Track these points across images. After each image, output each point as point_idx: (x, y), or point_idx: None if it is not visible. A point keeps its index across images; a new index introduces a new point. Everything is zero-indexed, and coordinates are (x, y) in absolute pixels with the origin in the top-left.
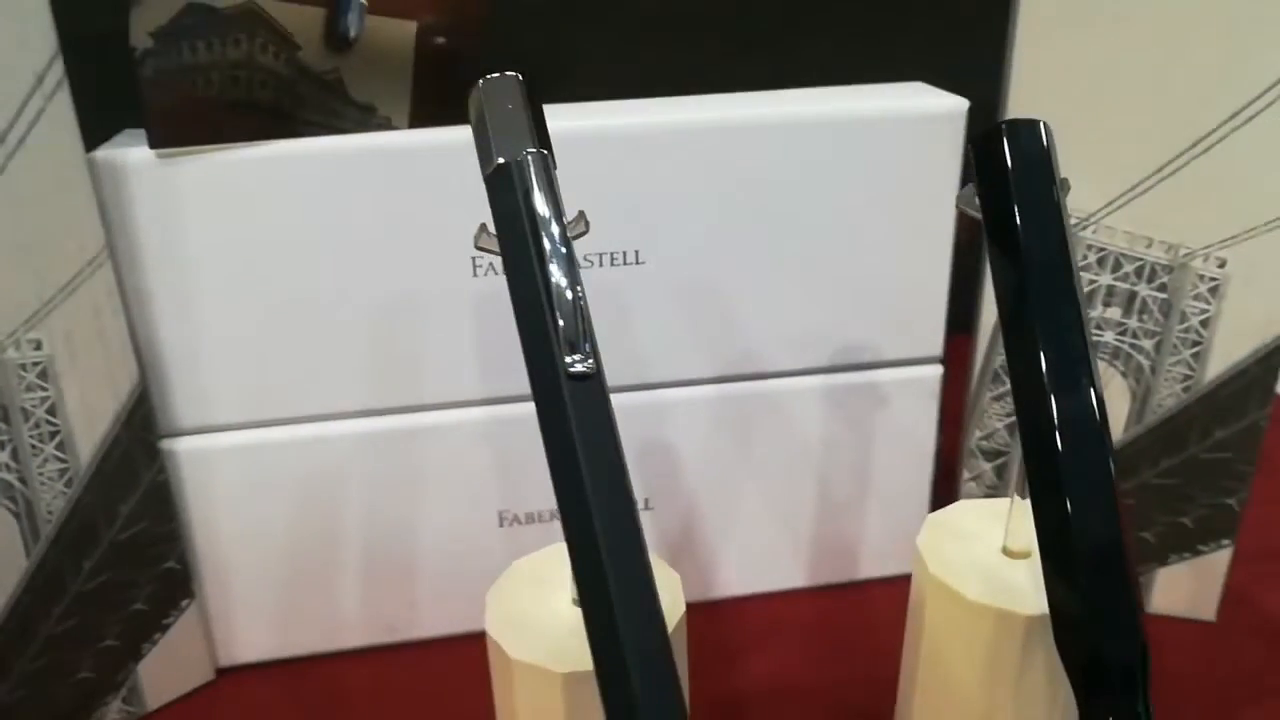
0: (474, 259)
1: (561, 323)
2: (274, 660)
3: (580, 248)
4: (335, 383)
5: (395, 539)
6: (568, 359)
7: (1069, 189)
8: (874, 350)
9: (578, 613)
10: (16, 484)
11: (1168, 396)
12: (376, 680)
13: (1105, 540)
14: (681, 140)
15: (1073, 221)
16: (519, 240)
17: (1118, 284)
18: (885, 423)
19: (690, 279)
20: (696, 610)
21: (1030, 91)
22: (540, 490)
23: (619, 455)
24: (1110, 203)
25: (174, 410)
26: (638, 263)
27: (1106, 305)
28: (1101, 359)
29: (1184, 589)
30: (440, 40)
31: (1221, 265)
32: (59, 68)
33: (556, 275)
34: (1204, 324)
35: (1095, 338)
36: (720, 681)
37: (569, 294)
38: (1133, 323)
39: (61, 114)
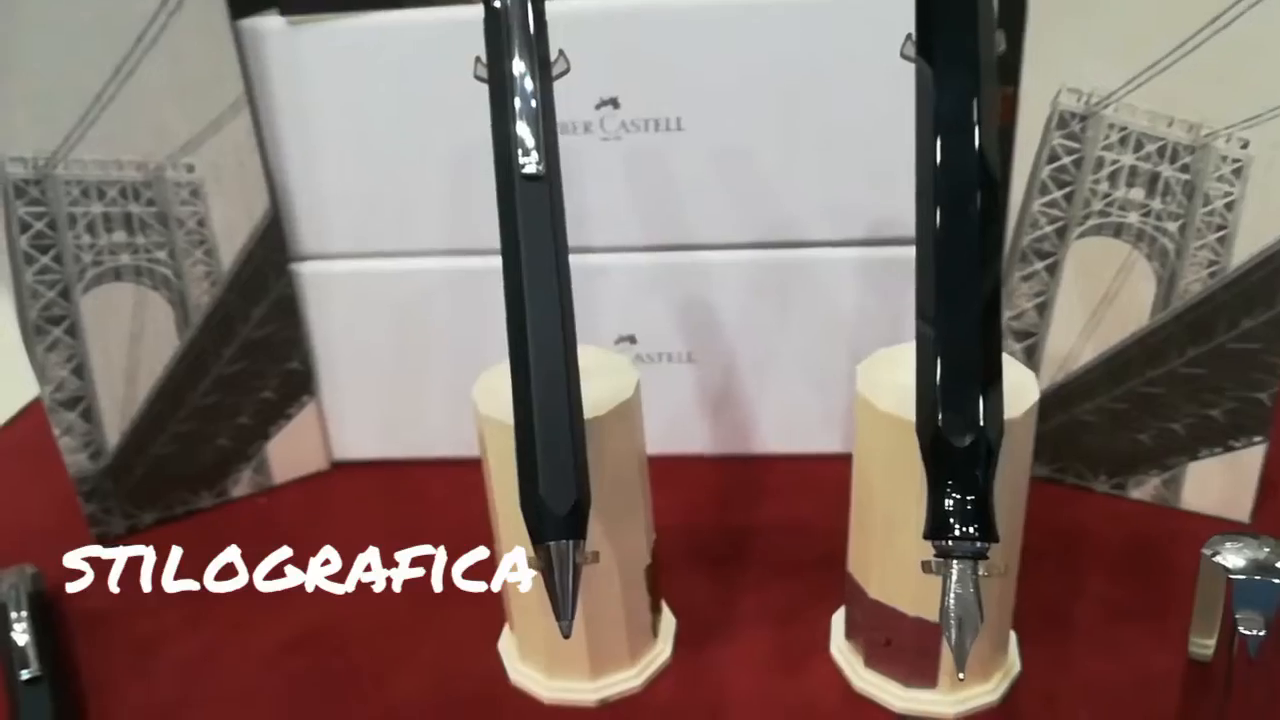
0: None
1: (520, 130)
2: (378, 460)
3: (623, 114)
4: (424, 224)
5: (471, 363)
6: (521, 160)
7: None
8: (909, 226)
9: None
10: (173, 278)
11: (1194, 282)
12: (454, 487)
13: (961, 345)
14: (720, 17)
15: (1094, 101)
16: (498, 66)
17: (1140, 164)
18: None
19: (728, 146)
20: (731, 463)
21: None
22: (586, 320)
23: (557, 248)
24: (1131, 80)
25: (299, 237)
26: (679, 129)
27: (1130, 186)
28: (1125, 242)
29: (1216, 487)
30: None
31: (1244, 146)
32: None
33: (522, 95)
34: (1228, 207)
35: (1119, 218)
36: (729, 518)
37: (530, 109)
38: (1156, 204)
39: None
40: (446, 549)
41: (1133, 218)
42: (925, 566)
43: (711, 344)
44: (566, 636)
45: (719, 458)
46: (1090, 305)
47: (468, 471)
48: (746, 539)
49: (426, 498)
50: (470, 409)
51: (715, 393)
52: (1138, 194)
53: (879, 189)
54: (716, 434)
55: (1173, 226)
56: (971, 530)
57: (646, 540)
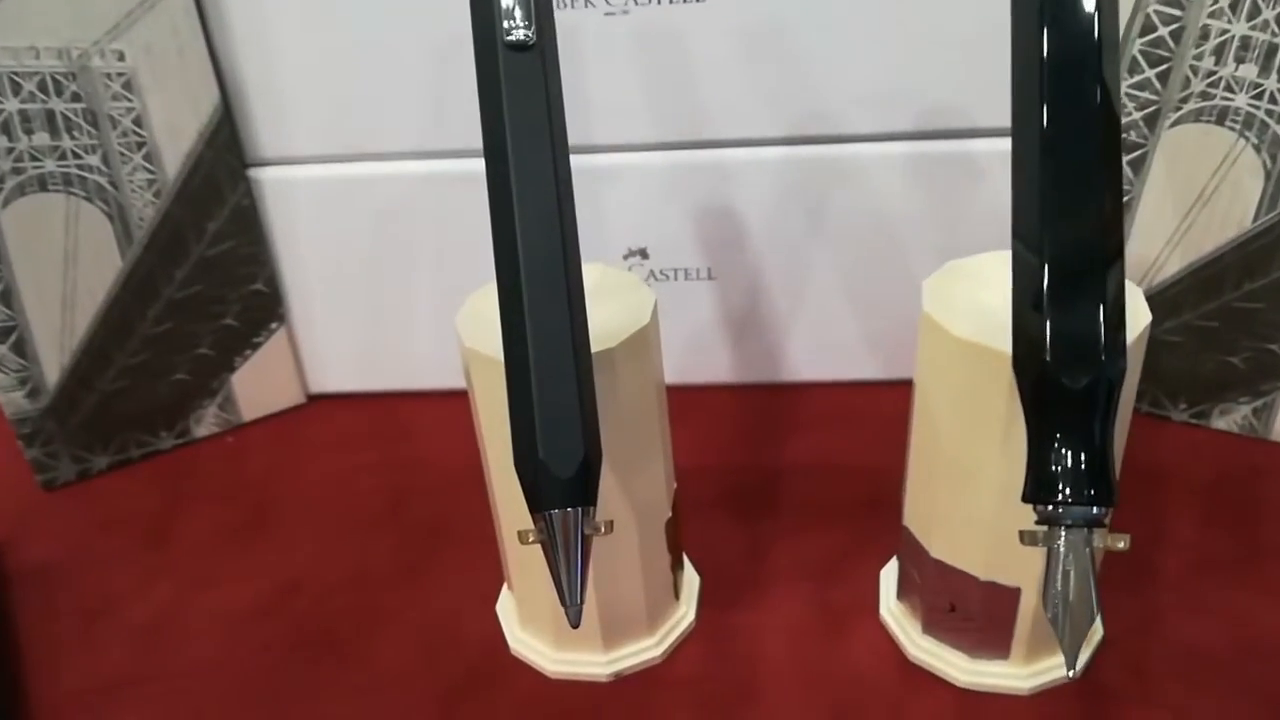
0: None
1: None
2: (360, 393)
3: None
4: (403, 121)
5: (463, 282)
6: (505, 25)
7: None
8: (969, 116)
9: None
10: (109, 187)
11: None
12: (444, 422)
13: (1077, 265)
14: None
15: None
16: None
17: (1255, 34)
18: (981, 201)
19: (756, 21)
20: (757, 392)
21: None
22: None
23: (553, 137)
24: None
25: (256, 139)
26: (698, 0)
27: (1240, 61)
28: (1231, 128)
29: None
30: None
31: None
32: None
33: None
34: None
35: (1224, 101)
36: (757, 456)
37: None
38: (1271, 83)
39: None
40: (436, 492)
41: (1241, 100)
42: (1025, 537)
43: (735, 258)
44: (575, 626)
45: (744, 387)
46: (1182, 206)
47: (459, 404)
48: (777, 480)
49: (413, 434)
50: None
51: (739, 314)
52: (1249, 71)
53: (933, 71)
54: (740, 360)
55: None
56: (1087, 493)
57: (667, 491)
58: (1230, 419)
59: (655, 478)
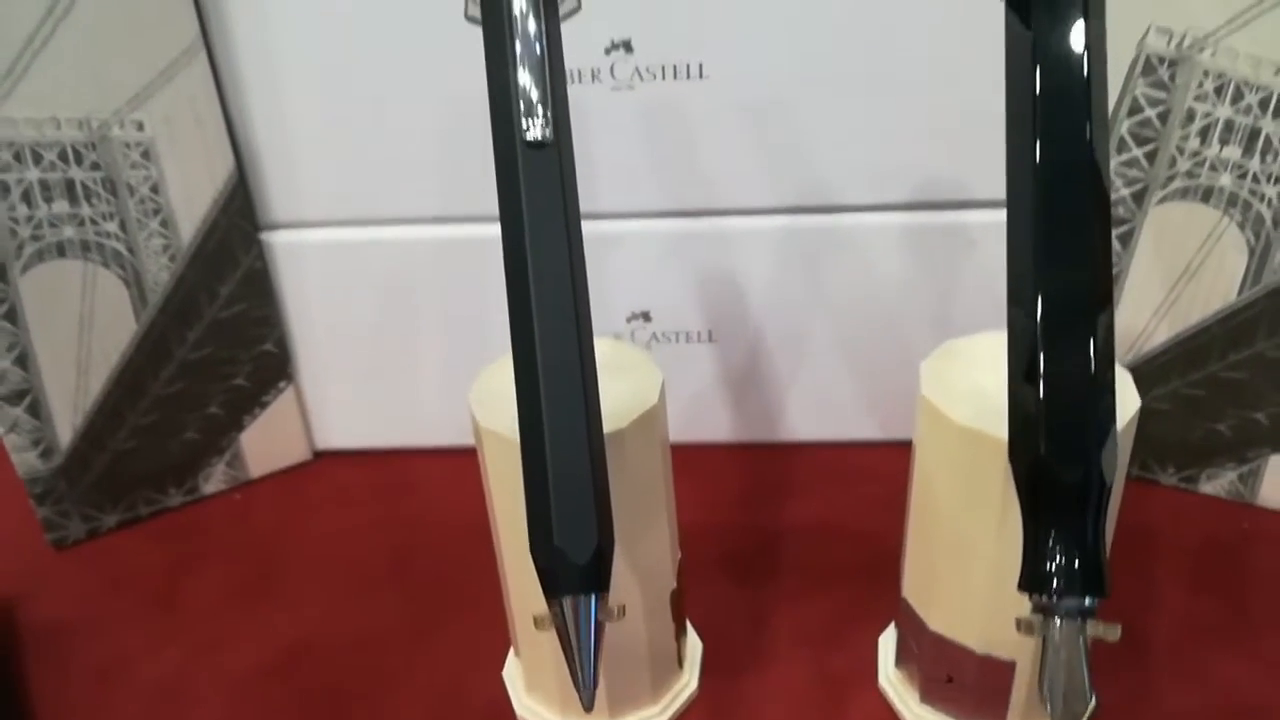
0: None
1: (522, 85)
2: (366, 450)
3: (637, 60)
4: (413, 188)
5: (468, 343)
6: (524, 124)
7: None
8: (963, 188)
9: None
10: (125, 253)
11: None
12: (451, 480)
13: (1072, 351)
14: None
15: (1188, 43)
16: (494, 6)
17: (1237, 118)
18: (974, 270)
19: (758, 97)
20: (756, 451)
21: None
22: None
23: (569, 234)
24: (1232, 19)
25: (269, 203)
26: (701, 77)
27: (1224, 143)
28: (1214, 208)
29: None
30: None
31: None
32: None
33: (524, 40)
34: None
35: (1209, 180)
36: (756, 517)
37: (535, 59)
38: (1254, 165)
39: None
40: (442, 550)
41: (1225, 180)
42: (1021, 625)
43: (735, 321)
44: (589, 710)
45: (743, 445)
46: (1169, 280)
47: (466, 462)
48: (777, 541)
49: (419, 490)
50: (468, 389)
51: (738, 375)
52: (1233, 152)
53: (928, 145)
54: (740, 420)
55: (1272, 191)
56: (1080, 586)
57: (672, 562)
58: (1217, 484)
59: (661, 551)
